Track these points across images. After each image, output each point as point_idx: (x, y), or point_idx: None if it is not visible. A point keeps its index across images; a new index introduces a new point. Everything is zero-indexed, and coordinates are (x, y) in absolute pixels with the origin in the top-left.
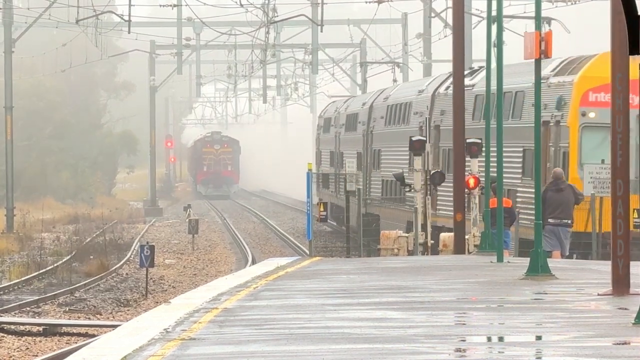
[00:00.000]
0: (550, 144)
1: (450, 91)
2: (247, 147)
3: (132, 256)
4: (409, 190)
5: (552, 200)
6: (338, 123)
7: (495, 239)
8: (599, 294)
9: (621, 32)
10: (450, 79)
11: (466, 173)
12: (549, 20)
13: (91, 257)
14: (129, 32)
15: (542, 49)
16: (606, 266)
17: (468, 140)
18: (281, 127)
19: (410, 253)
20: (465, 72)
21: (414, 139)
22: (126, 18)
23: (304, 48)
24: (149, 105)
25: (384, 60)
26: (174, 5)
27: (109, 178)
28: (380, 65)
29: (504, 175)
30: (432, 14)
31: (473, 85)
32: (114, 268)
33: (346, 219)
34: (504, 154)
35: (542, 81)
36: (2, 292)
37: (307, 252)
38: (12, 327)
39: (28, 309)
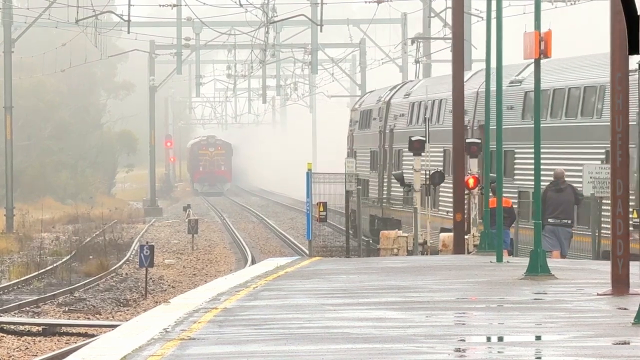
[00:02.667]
0: None
1: None
2: (248, 147)
3: (131, 256)
4: (409, 191)
5: (552, 200)
6: (389, 115)
7: (494, 239)
8: (598, 294)
9: (621, 32)
10: None
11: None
12: None
13: (91, 257)
14: (128, 32)
15: (541, 49)
16: (606, 266)
17: (467, 140)
18: (281, 127)
19: (410, 253)
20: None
21: (413, 139)
22: (126, 18)
23: (304, 48)
24: (148, 105)
25: (440, 36)
26: (174, 5)
27: (109, 178)
28: (380, 64)
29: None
30: (432, 14)
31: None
32: (113, 268)
33: (346, 218)
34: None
35: None
36: (1, 292)
37: (307, 252)
38: (12, 327)
39: (27, 308)
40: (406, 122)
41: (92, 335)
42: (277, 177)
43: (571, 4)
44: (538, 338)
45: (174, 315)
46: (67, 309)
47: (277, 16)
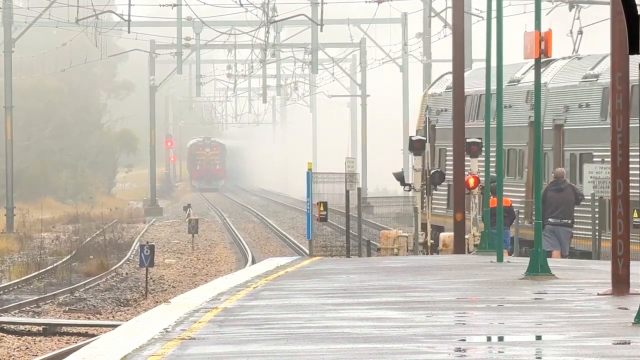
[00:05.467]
0: None
1: None
2: (243, 147)
3: (132, 256)
4: (409, 190)
5: (553, 200)
6: (550, 103)
7: (495, 239)
8: (599, 294)
9: (621, 32)
10: None
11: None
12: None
13: (91, 256)
14: (128, 32)
15: (541, 49)
16: (606, 266)
17: (468, 140)
18: (281, 127)
19: (412, 252)
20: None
21: (414, 138)
22: (126, 18)
23: (304, 48)
24: (148, 105)
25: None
26: (174, 5)
27: (109, 178)
28: (380, 64)
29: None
30: (432, 14)
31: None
32: (113, 268)
33: (347, 219)
34: None
35: None
36: (2, 292)
37: (307, 251)
38: (12, 326)
39: (28, 308)
40: (598, 114)
41: (93, 335)
42: (272, 176)
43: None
44: (538, 338)
45: (174, 315)
46: (67, 308)
47: (277, 16)
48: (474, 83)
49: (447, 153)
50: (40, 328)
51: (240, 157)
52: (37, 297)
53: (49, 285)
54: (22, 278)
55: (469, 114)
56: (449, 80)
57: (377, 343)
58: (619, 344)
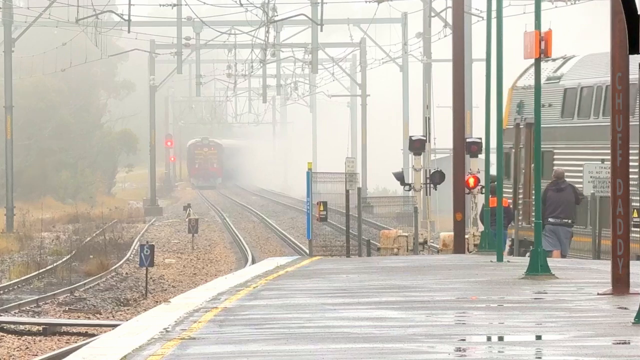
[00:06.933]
0: None
1: None
2: (247, 147)
3: (131, 255)
4: (409, 190)
5: (553, 199)
6: None
7: (494, 238)
8: (598, 294)
9: (621, 32)
10: None
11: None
12: None
13: (91, 256)
14: (128, 32)
15: (542, 49)
16: (606, 266)
17: (468, 140)
18: (281, 126)
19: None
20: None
21: (414, 138)
22: (126, 17)
23: (304, 47)
24: (148, 105)
25: None
26: (174, 5)
27: (109, 177)
28: (380, 63)
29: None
30: (432, 14)
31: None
32: (113, 267)
33: (347, 218)
34: None
35: None
36: (2, 292)
37: (307, 251)
38: (12, 326)
39: (28, 308)
40: None
41: (93, 335)
42: (271, 175)
43: (571, 4)
44: (538, 337)
45: (174, 314)
46: (67, 308)
47: (277, 16)
48: (580, 74)
49: (554, 156)
50: (40, 328)
51: (239, 156)
52: (37, 297)
53: (49, 285)
54: (22, 278)
55: (580, 110)
56: (547, 69)
57: (377, 343)
58: (619, 343)
